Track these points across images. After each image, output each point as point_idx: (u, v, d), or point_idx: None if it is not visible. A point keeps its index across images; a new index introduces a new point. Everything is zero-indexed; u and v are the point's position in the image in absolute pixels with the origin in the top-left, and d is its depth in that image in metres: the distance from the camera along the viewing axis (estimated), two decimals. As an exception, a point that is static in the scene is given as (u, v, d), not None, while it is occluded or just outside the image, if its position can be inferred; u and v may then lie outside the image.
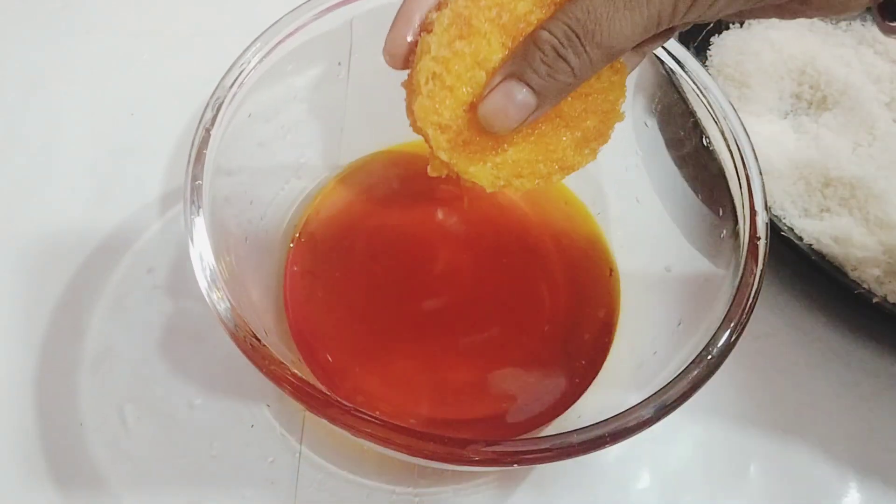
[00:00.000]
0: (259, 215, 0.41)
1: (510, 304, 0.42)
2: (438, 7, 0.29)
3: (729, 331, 0.31)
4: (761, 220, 0.34)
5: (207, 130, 0.35)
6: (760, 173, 0.35)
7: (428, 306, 0.42)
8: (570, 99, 0.30)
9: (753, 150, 0.36)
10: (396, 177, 0.46)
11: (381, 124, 0.45)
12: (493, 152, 0.30)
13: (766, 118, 0.47)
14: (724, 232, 0.36)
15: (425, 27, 0.29)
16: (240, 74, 0.37)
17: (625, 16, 0.25)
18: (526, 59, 0.27)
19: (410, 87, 0.30)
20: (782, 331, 0.44)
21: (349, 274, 0.42)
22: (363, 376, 0.39)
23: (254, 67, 0.37)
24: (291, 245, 0.43)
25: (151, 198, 0.47)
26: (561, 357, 0.40)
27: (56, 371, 0.41)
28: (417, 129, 0.30)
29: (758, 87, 0.47)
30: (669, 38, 0.34)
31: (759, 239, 0.34)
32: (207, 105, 0.36)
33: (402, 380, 0.40)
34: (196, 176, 0.33)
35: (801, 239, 0.43)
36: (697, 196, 0.39)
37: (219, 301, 0.31)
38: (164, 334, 0.43)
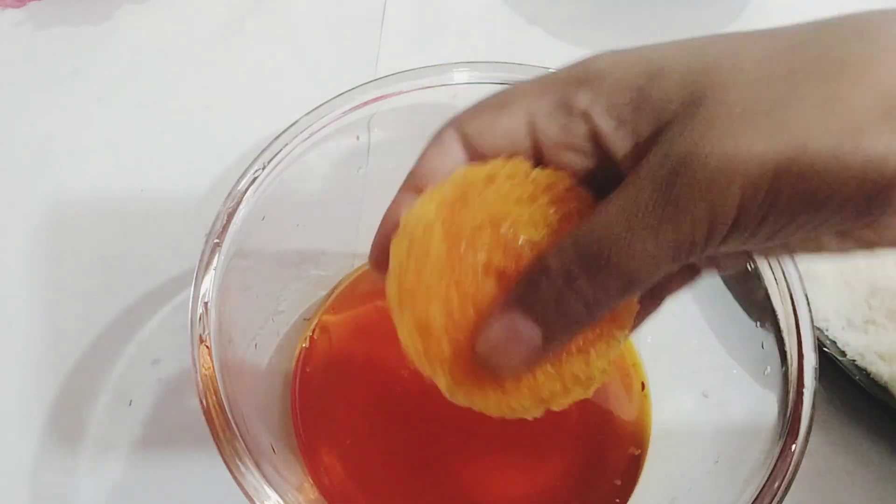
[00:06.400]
0: (270, 317, 0.39)
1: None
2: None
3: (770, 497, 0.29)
4: (809, 364, 0.32)
5: (217, 244, 0.33)
6: (810, 311, 0.33)
7: (444, 419, 0.39)
8: None
9: (802, 285, 0.33)
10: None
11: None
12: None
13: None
14: (769, 365, 0.34)
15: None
16: (252, 182, 0.34)
17: (647, 236, 0.20)
18: (530, 287, 0.22)
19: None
20: (822, 447, 0.42)
21: (366, 380, 0.40)
22: (373, 493, 0.37)
23: (268, 174, 0.35)
24: (305, 345, 0.41)
25: (159, 281, 0.45)
26: (590, 481, 0.38)
27: (52, 470, 0.39)
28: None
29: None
30: (695, 280, 0.28)
31: (804, 389, 0.31)
32: (217, 216, 0.34)
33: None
34: (197, 302, 0.31)
35: (843, 354, 0.41)
36: (743, 314, 0.36)
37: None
38: (169, 434, 0.41)
